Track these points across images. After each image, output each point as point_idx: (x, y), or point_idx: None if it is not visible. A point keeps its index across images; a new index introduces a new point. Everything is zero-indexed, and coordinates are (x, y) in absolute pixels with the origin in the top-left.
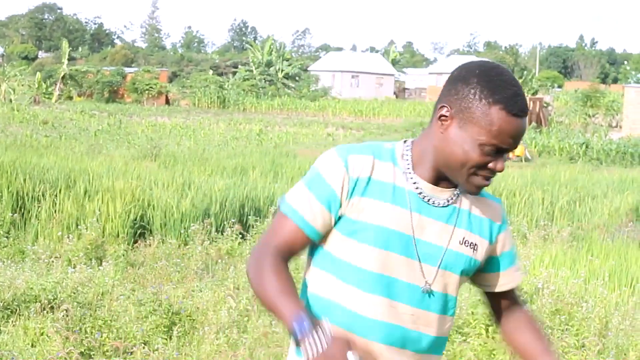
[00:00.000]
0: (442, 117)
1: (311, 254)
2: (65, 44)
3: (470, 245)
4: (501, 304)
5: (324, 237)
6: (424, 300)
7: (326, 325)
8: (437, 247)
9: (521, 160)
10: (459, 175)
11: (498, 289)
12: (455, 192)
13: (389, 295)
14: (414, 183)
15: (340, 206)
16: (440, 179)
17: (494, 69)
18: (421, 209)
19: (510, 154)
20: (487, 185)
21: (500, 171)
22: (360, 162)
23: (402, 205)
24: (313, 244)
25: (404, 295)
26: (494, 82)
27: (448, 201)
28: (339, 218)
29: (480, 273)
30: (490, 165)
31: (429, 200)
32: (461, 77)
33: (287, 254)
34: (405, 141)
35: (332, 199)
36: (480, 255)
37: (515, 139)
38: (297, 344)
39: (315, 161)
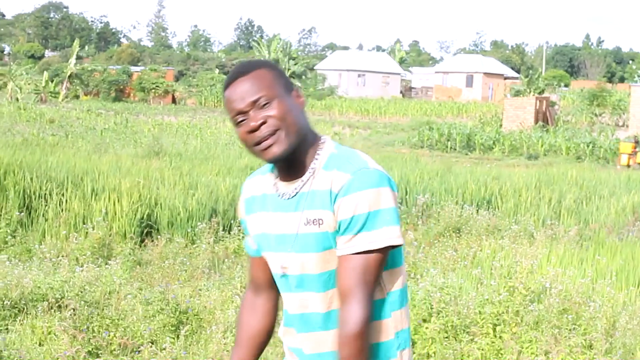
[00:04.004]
0: None
1: None
2: (75, 43)
3: (315, 222)
4: (337, 278)
5: None
6: (287, 284)
7: None
8: (288, 236)
9: None
10: (257, 155)
11: (338, 252)
12: (302, 181)
13: (282, 290)
14: (274, 185)
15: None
16: (286, 172)
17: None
18: (280, 207)
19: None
20: (265, 145)
21: (254, 128)
22: (248, 185)
23: (265, 210)
24: None
25: (282, 285)
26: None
27: (298, 189)
28: None
29: None
30: (247, 129)
31: (284, 197)
32: None
33: (255, 284)
34: None
35: (244, 225)
36: (329, 227)
37: (237, 100)
38: None
39: None
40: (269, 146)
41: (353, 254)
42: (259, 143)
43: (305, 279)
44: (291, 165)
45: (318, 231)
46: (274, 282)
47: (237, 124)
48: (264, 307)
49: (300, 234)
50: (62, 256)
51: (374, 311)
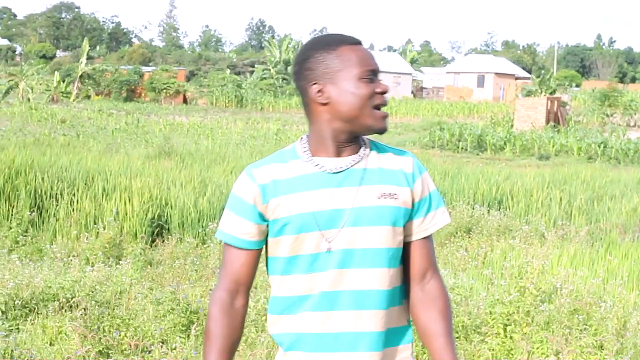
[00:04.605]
0: (318, 92)
1: (267, 269)
2: (85, 43)
3: (391, 196)
4: (415, 262)
5: (268, 249)
6: (325, 262)
7: None
8: (340, 210)
9: None
10: (365, 119)
11: (416, 237)
12: (359, 156)
13: (308, 271)
14: (316, 165)
15: (262, 214)
16: (342, 148)
17: (318, 36)
18: (327, 182)
19: None
20: (385, 113)
21: (386, 91)
22: (262, 171)
23: (307, 189)
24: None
25: (312, 265)
26: (324, 38)
27: (351, 164)
28: (267, 225)
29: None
30: (377, 90)
31: (332, 171)
32: (304, 59)
33: (237, 283)
34: (301, 138)
35: (251, 210)
36: (404, 203)
37: (372, 60)
38: None
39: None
40: (386, 116)
41: (427, 237)
42: (380, 108)
43: (361, 254)
44: (353, 142)
45: (395, 204)
46: (252, 282)
47: (365, 80)
48: (241, 312)
49: (374, 206)
50: (73, 256)
51: (395, 297)
